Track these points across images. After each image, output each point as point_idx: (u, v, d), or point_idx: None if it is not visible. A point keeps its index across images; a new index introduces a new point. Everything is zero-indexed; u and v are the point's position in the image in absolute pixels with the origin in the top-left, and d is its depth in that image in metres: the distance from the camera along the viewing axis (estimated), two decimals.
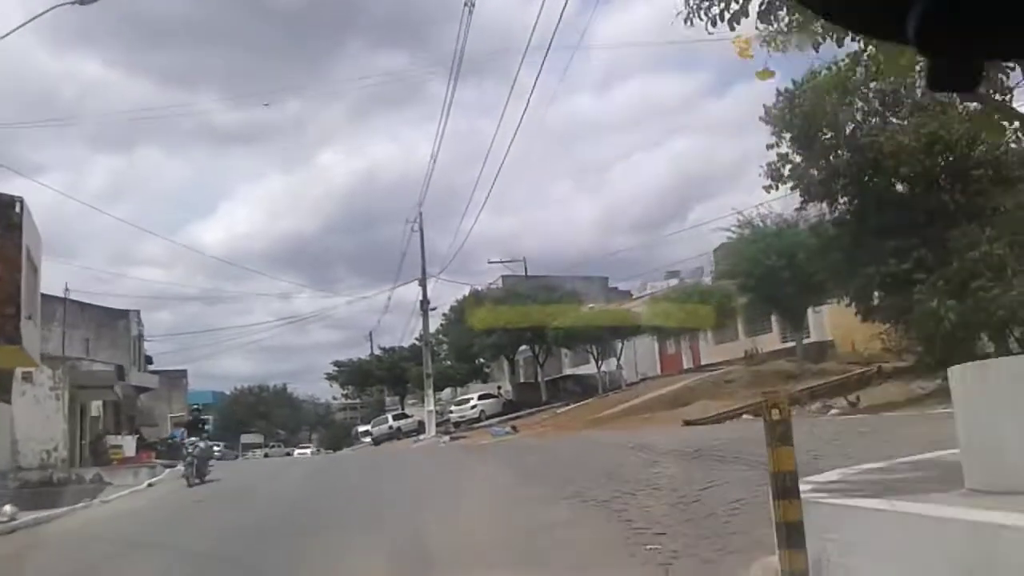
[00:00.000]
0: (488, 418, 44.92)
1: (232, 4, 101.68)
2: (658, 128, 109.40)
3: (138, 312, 42.23)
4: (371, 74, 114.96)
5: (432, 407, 40.91)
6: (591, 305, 47.26)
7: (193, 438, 24.96)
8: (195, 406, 40.06)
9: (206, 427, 35.19)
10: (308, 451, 66.41)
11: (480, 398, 46.47)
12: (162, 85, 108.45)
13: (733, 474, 8.22)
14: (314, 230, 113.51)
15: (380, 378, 64.28)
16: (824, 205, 20.27)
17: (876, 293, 19.79)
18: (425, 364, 42.09)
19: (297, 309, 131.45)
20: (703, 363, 40.40)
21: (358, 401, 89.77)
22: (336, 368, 66.55)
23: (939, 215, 18.39)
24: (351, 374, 65.71)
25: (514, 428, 32.83)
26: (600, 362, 43.54)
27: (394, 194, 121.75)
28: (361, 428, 63.15)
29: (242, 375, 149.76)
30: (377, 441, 50.73)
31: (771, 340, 38.21)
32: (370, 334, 74.68)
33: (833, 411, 20.27)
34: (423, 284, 40.80)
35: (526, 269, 53.35)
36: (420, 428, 51.20)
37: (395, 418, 52.39)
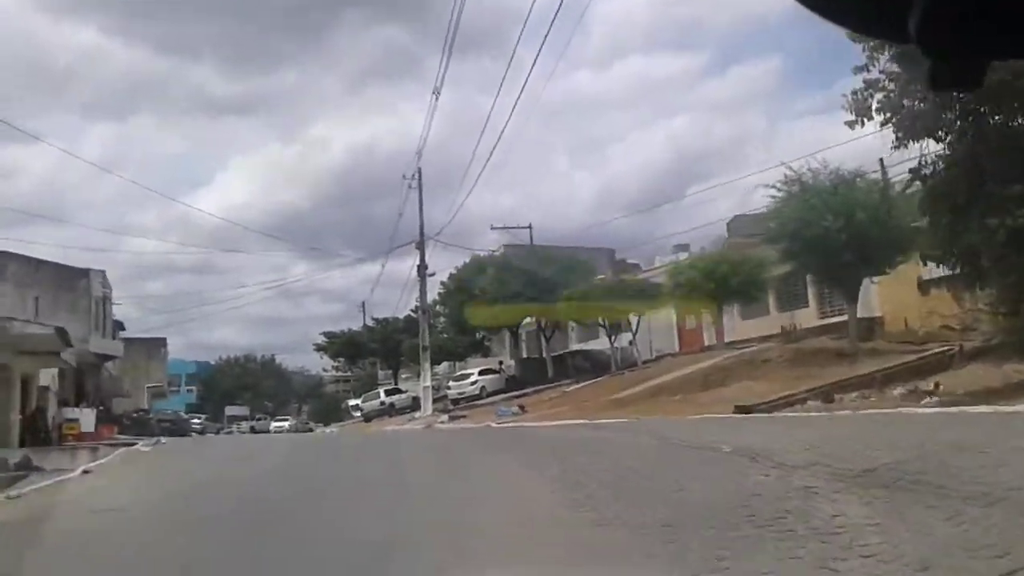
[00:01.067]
0: (489, 395, 41.21)
1: None
2: (655, 106, 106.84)
3: (103, 272, 38.05)
4: (369, 47, 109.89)
5: (429, 382, 37.11)
6: (601, 276, 43.47)
7: None
8: None
9: None
10: (286, 423, 62.37)
11: (481, 373, 42.62)
12: (158, 54, 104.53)
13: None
14: (310, 203, 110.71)
15: (373, 350, 60.47)
16: (927, 144, 16.20)
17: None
18: (422, 335, 38.17)
19: (293, 281, 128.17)
20: (728, 340, 36.58)
21: (350, 374, 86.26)
22: (326, 339, 62.66)
23: None
24: (342, 345, 61.86)
25: (522, 408, 29.01)
26: (613, 337, 39.77)
27: (391, 168, 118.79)
28: (352, 402, 59.32)
29: (238, 346, 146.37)
30: (368, 418, 46.95)
31: (807, 316, 34.44)
32: (363, 304, 70.90)
33: (931, 399, 16.40)
34: (421, 247, 36.81)
35: (531, 236, 49.41)
36: (415, 404, 47.53)
37: (387, 393, 48.52)
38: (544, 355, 44.22)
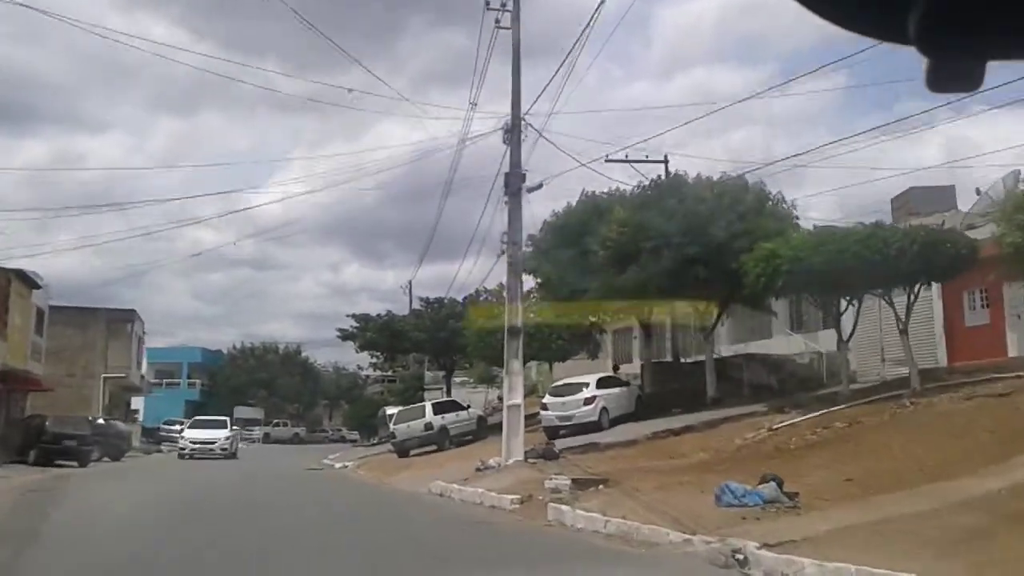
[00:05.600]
0: (612, 423, 23.76)
1: None
2: (715, 118, 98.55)
3: None
4: (431, 51, 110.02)
5: (520, 397, 19.34)
6: (811, 226, 25.45)
7: None
8: None
9: None
10: (220, 435, 37.97)
11: (599, 384, 24.86)
12: (226, 50, 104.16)
13: None
14: (367, 203, 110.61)
15: (418, 343, 43.13)
16: None
17: None
18: (510, 304, 20.47)
19: (346, 279, 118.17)
20: None
21: (391, 373, 69.29)
22: (354, 325, 45.39)
23: None
24: (377, 333, 44.59)
25: (780, 487, 11.32)
26: (842, 334, 21.94)
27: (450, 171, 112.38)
28: (388, 411, 41.20)
29: (289, 339, 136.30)
30: (402, 449, 29.18)
31: None
32: (409, 283, 53.98)
33: None
34: (514, 126, 19.35)
35: (667, 168, 31.53)
36: (479, 427, 30.25)
37: (437, 409, 30.39)
38: (703, 358, 26.38)
